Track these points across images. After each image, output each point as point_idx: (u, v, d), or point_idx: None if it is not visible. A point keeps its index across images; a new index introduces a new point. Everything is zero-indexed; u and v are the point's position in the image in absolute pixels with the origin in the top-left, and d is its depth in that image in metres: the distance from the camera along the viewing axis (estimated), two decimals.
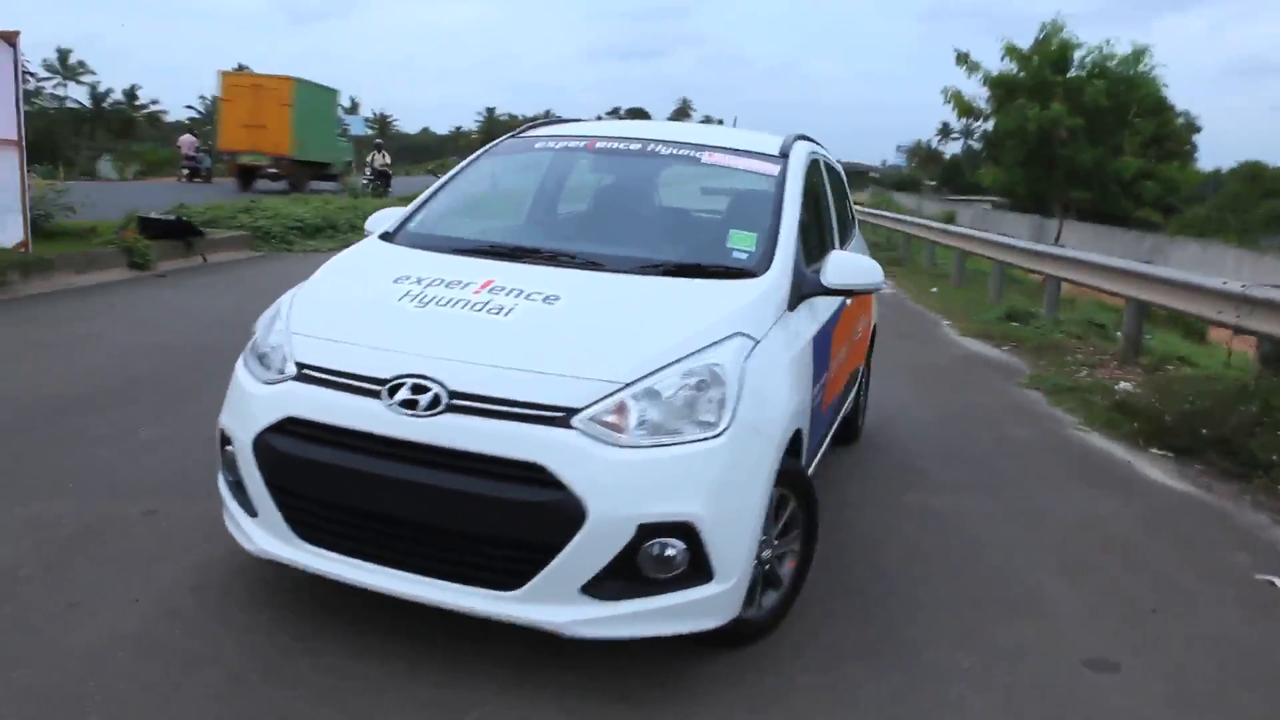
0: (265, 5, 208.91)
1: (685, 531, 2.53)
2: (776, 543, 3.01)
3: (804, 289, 3.33)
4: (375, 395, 2.62)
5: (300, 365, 2.79)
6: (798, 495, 3.06)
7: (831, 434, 4.28)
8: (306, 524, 2.75)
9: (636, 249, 3.41)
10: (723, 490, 2.58)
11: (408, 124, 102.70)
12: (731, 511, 2.61)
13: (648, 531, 2.49)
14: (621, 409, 2.54)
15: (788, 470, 2.92)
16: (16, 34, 8.81)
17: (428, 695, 2.61)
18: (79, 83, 66.85)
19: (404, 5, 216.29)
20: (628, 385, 2.57)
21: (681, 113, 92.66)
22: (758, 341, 2.86)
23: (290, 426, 2.72)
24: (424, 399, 2.56)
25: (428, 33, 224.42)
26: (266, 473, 2.75)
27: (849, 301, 4.05)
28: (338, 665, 2.72)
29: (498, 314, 2.82)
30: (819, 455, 3.91)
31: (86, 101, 67.04)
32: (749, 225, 3.45)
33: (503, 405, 2.54)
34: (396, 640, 2.84)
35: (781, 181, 3.66)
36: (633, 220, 3.87)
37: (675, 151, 3.93)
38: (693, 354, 2.68)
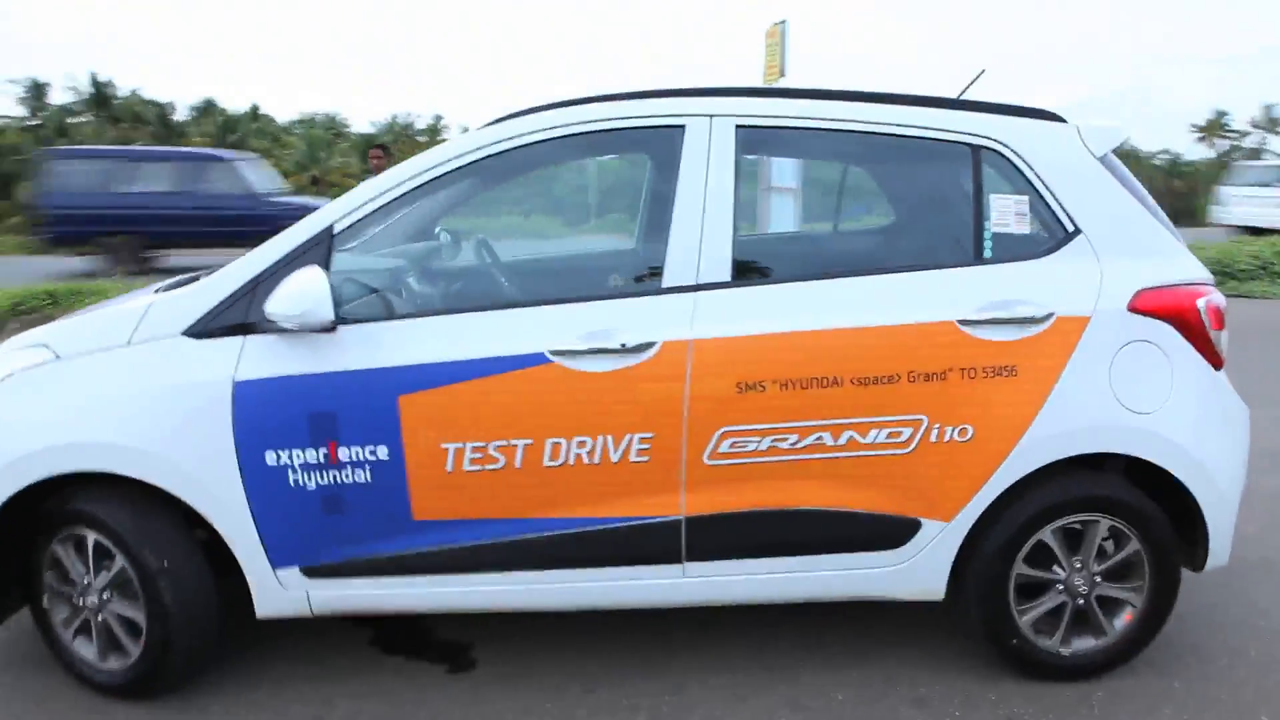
0: None
1: None
2: (93, 586, 2.65)
3: (250, 315, 2.52)
4: None
5: None
6: (122, 549, 2.57)
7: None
8: None
9: None
10: None
11: None
12: None
13: None
14: None
15: (94, 518, 2.57)
16: None
17: None
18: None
19: None
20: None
21: None
22: (58, 358, 2.62)
23: None
24: None
25: None
26: None
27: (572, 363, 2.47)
28: None
29: None
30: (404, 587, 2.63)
31: None
32: None
33: None
34: None
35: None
36: None
37: None
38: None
